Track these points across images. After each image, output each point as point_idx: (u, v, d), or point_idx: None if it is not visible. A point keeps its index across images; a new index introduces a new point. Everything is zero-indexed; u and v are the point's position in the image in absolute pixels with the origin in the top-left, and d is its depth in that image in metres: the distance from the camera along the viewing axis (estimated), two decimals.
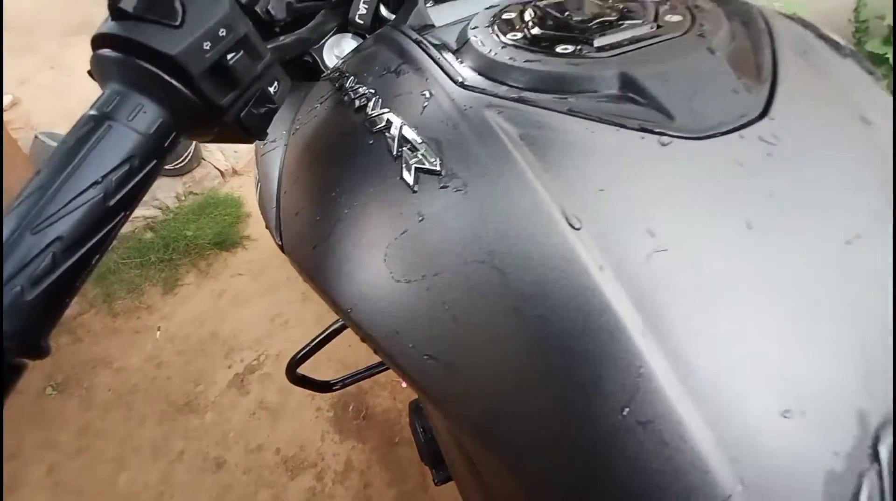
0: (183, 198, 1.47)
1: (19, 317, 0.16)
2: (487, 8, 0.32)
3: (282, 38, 0.33)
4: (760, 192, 0.20)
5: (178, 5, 0.20)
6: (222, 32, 0.21)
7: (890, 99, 0.27)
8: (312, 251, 0.28)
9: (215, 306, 1.26)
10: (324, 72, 0.43)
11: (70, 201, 0.17)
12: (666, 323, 0.18)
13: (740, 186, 0.20)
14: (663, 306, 0.18)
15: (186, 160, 1.48)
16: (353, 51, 0.38)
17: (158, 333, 1.18)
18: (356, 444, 1.05)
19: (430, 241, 0.22)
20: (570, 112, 0.23)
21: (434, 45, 0.30)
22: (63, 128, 1.71)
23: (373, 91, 0.28)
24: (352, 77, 0.30)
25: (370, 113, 0.27)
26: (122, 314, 1.20)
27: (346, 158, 0.27)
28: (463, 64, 0.28)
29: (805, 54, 0.27)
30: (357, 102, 0.28)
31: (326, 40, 0.41)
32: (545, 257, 0.20)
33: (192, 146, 1.48)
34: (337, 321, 0.63)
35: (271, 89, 0.24)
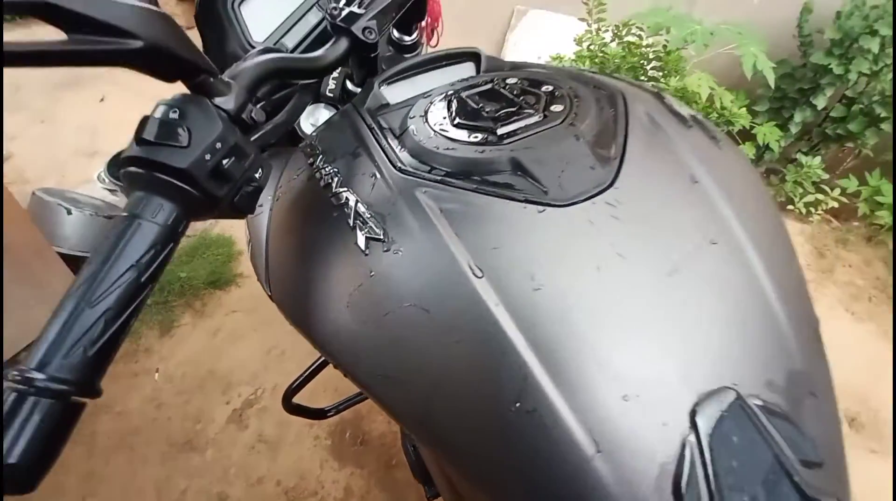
0: None
1: (83, 370, 0.22)
2: (425, 95, 0.40)
3: (265, 126, 0.40)
4: (605, 243, 0.27)
5: (184, 130, 0.26)
6: (218, 146, 0.27)
7: (729, 152, 0.34)
8: (295, 302, 0.35)
9: (211, 344, 1.30)
10: (301, 137, 0.50)
11: (114, 282, 0.24)
12: (542, 340, 0.24)
13: (591, 240, 0.27)
14: (540, 328, 0.25)
15: None
16: (324, 123, 0.45)
17: (157, 374, 1.22)
18: (354, 469, 1.09)
19: (378, 291, 0.29)
20: (477, 190, 0.30)
21: (383, 130, 0.37)
22: (55, 181, 1.76)
23: (336, 170, 0.35)
24: (321, 156, 0.37)
25: (335, 190, 0.34)
26: (121, 358, 1.24)
27: (316, 227, 0.34)
28: (402, 149, 0.35)
29: (653, 130, 0.34)
30: (324, 181, 0.35)
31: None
32: (457, 298, 0.26)
33: None
34: (318, 360, 0.69)
35: (257, 175, 0.31)
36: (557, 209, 0.29)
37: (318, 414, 0.76)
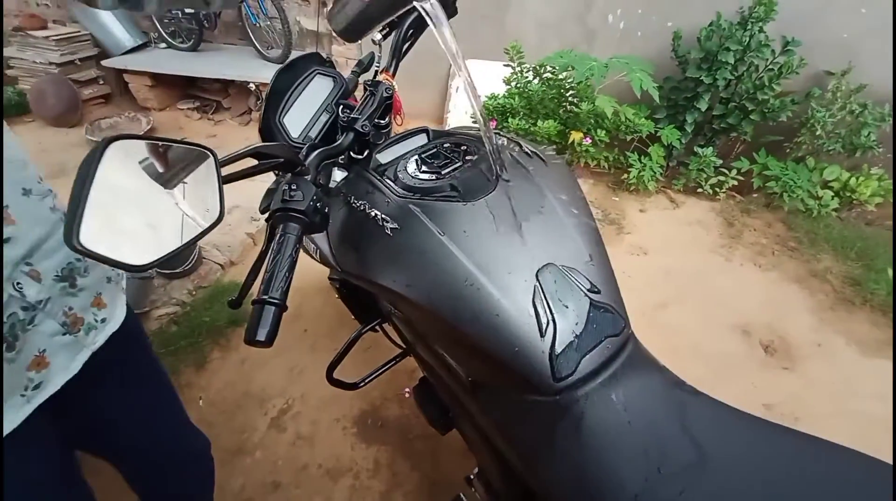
0: (194, 292, 1.77)
1: (284, 296, 0.50)
2: (402, 158, 0.73)
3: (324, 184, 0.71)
4: (490, 214, 0.59)
5: (299, 192, 0.56)
6: (314, 197, 0.57)
7: (553, 164, 0.68)
8: (354, 265, 0.65)
9: (241, 371, 1.54)
10: (329, 187, 0.82)
11: (285, 260, 0.52)
12: (472, 256, 0.55)
13: (486, 214, 0.59)
14: (470, 251, 0.56)
15: (192, 263, 1.79)
16: (343, 179, 0.77)
17: (201, 401, 1.44)
18: (379, 447, 1.34)
19: (400, 251, 0.60)
20: (436, 200, 0.62)
21: (383, 177, 0.69)
22: None
23: (365, 202, 0.66)
24: (353, 196, 0.69)
25: (366, 211, 0.65)
26: None
27: (362, 229, 0.65)
28: (397, 186, 0.67)
29: (513, 162, 0.67)
30: (358, 208, 0.66)
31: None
32: (433, 245, 0.57)
33: (196, 251, 1.80)
34: (352, 335, 0.96)
35: (326, 210, 0.61)
36: (469, 203, 0.61)
37: (352, 386, 1.02)
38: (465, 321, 0.54)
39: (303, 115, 0.78)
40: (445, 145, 0.75)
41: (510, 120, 2.33)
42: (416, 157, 0.74)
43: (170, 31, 3.30)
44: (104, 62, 3.15)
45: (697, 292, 1.91)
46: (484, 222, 0.58)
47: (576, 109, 2.25)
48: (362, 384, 1.03)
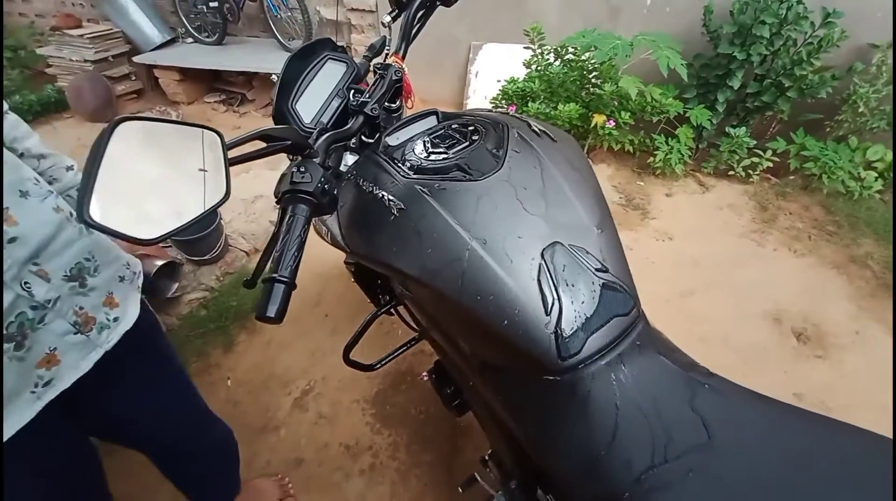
0: (222, 278, 1.84)
1: (293, 274, 0.52)
2: (411, 140, 0.73)
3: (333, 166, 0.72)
4: (497, 192, 0.58)
5: (307, 175, 0.57)
6: (322, 179, 0.57)
7: (562, 143, 0.66)
8: (363, 247, 0.66)
9: (266, 353, 1.60)
10: (340, 171, 0.83)
11: (294, 239, 0.53)
12: (477, 234, 0.55)
13: (492, 191, 0.58)
14: (474, 228, 0.55)
15: (219, 250, 1.86)
16: (355, 163, 0.78)
17: (229, 381, 1.51)
18: (398, 427, 1.37)
19: (405, 231, 0.60)
20: (442, 179, 0.62)
21: (392, 160, 0.70)
22: None
23: (373, 184, 0.67)
24: (362, 178, 0.70)
25: (374, 193, 0.65)
26: (197, 374, 1.53)
27: (370, 210, 0.66)
28: (405, 166, 0.67)
29: (519, 140, 0.66)
30: (367, 189, 0.67)
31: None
32: (440, 225, 0.57)
33: (223, 239, 1.86)
34: (368, 317, 0.97)
35: (335, 191, 0.62)
36: (476, 182, 0.60)
37: (368, 368, 1.04)
38: (470, 300, 0.54)
39: (315, 100, 0.78)
40: (453, 126, 0.75)
41: (530, 104, 2.28)
42: (425, 138, 0.73)
43: (196, 26, 3.39)
44: (135, 58, 3.26)
45: (727, 279, 1.84)
46: (488, 201, 0.58)
47: (598, 91, 2.19)
48: (378, 365, 1.05)
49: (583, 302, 0.52)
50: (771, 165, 2.34)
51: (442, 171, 0.65)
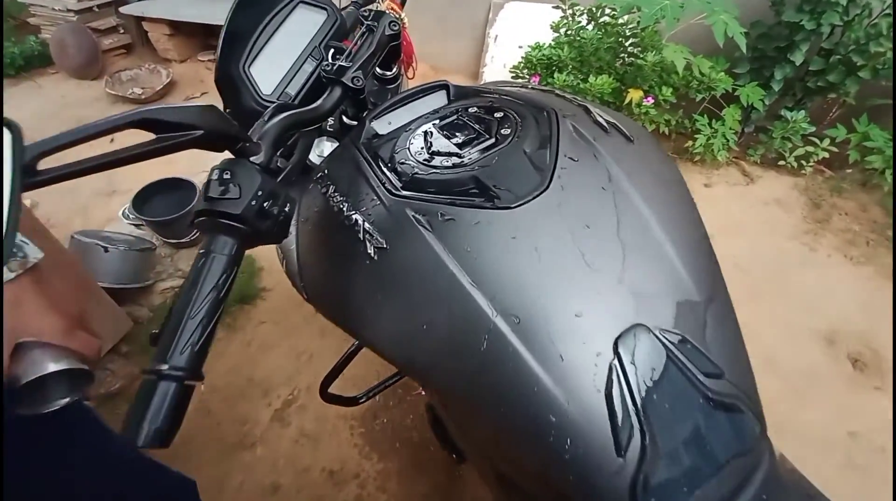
0: None
1: (191, 361, 0.31)
2: (406, 129, 0.49)
3: (287, 168, 0.49)
4: (542, 233, 0.36)
5: (235, 186, 0.36)
6: (259, 193, 0.36)
7: (643, 146, 0.43)
8: (326, 299, 0.45)
9: (246, 354, 1.42)
10: (310, 165, 0.60)
11: (204, 300, 0.33)
12: (504, 306, 0.33)
13: (531, 230, 0.36)
14: (501, 295, 0.34)
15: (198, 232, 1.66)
16: (329, 155, 0.55)
17: (202, 386, 1.34)
18: (389, 452, 1.20)
19: (387, 288, 0.38)
20: (450, 203, 0.39)
21: (377, 160, 0.47)
22: (81, 222, 1.87)
23: (345, 198, 0.45)
24: (332, 186, 0.47)
25: (346, 214, 0.43)
26: None
27: (336, 243, 0.44)
28: (394, 176, 0.45)
29: (577, 140, 0.43)
30: (336, 207, 0.45)
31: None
32: (451, 288, 0.35)
33: None
34: (352, 347, 0.78)
35: (287, 209, 0.40)
36: (505, 211, 0.38)
37: (351, 402, 0.86)
38: (489, 413, 0.33)
39: (280, 62, 0.55)
40: (471, 110, 0.51)
41: (556, 75, 1.99)
42: (428, 127, 0.50)
43: None
44: (122, 9, 2.98)
45: (774, 289, 1.61)
46: (526, 247, 0.36)
47: (638, 62, 1.89)
48: (363, 399, 0.87)
49: (684, 437, 0.31)
50: (827, 155, 2.05)
51: (451, 187, 0.42)
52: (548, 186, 0.39)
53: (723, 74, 1.89)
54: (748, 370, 0.37)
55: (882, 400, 1.33)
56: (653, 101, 1.92)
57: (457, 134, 0.48)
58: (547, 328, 0.33)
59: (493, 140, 0.45)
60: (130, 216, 1.70)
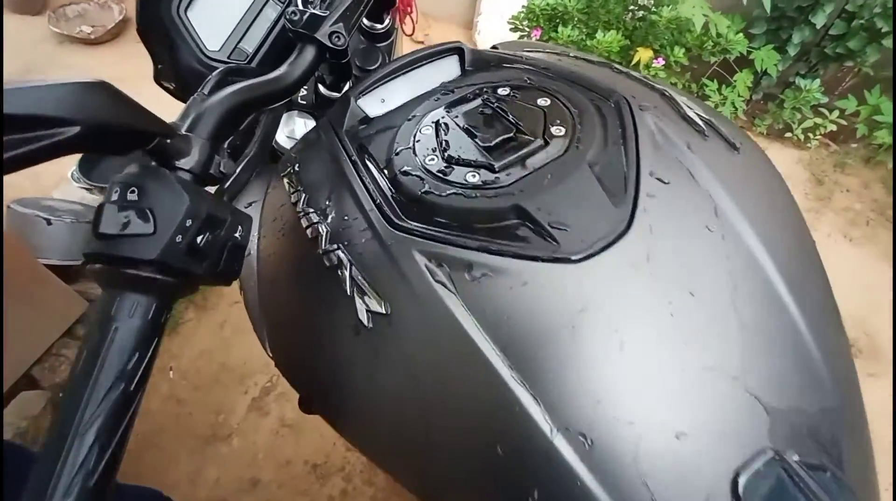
0: None
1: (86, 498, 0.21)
2: (409, 118, 0.35)
3: (236, 171, 0.35)
4: (624, 303, 0.25)
5: (146, 214, 0.23)
6: (188, 223, 0.24)
7: (750, 160, 0.31)
8: (299, 374, 0.33)
9: (219, 337, 1.31)
10: (278, 150, 0.46)
11: (101, 402, 0.21)
12: (567, 418, 0.23)
13: (609, 300, 0.25)
14: (564, 406, 0.23)
15: None
16: (301, 141, 0.41)
17: (171, 372, 1.23)
18: None
19: (391, 373, 0.27)
20: (480, 249, 0.27)
21: (367, 159, 0.33)
22: (31, 186, 1.64)
23: (321, 218, 0.32)
24: (303, 193, 0.34)
25: (325, 247, 0.30)
26: None
27: (313, 292, 0.31)
28: (393, 193, 0.31)
29: (667, 151, 0.30)
30: (311, 231, 0.32)
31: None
32: (489, 385, 0.24)
33: None
34: None
35: (237, 235, 0.28)
36: (570, 266, 0.25)
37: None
38: None
39: (230, 4, 0.40)
40: (500, 92, 0.37)
41: (560, 29, 1.80)
42: (440, 117, 0.36)
43: None
44: None
45: None
46: (605, 330, 0.24)
47: (652, 17, 1.72)
48: None
49: None
50: (834, 128, 1.96)
51: (480, 218, 0.29)
52: (628, 226, 0.26)
53: (741, 35, 1.74)
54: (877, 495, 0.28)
55: (876, 388, 1.33)
56: (663, 62, 1.77)
57: (483, 130, 0.33)
58: (634, 455, 0.22)
59: (540, 142, 0.31)
60: (80, 179, 1.50)
